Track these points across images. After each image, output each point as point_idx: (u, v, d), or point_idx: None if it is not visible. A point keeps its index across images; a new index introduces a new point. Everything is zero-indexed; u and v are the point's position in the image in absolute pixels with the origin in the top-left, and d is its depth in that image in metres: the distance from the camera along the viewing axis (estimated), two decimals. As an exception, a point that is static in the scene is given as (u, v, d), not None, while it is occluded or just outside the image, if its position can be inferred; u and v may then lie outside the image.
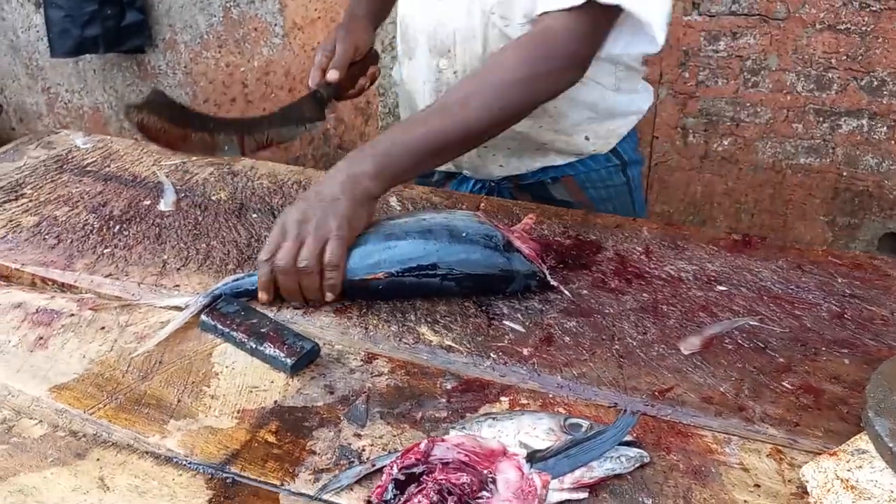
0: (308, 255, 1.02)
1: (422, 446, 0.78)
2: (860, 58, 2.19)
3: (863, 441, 0.80)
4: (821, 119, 2.31)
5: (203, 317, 1.03)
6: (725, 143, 2.45)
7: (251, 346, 0.98)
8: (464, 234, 1.06)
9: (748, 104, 2.36)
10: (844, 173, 2.35)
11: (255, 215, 1.31)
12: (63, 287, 1.14)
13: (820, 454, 0.81)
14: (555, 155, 1.36)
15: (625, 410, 0.87)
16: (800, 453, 0.84)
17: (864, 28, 2.17)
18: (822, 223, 2.45)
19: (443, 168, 1.46)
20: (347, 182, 1.06)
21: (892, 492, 0.74)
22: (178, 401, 0.92)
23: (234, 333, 1.00)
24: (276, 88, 3.00)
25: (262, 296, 1.06)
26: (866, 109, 2.25)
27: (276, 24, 2.88)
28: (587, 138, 1.35)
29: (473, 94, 1.10)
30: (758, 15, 2.23)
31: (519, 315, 1.06)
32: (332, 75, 1.33)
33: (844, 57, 2.21)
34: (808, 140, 2.34)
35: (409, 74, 1.40)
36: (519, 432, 0.82)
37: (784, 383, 0.93)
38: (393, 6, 1.53)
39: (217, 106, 3.15)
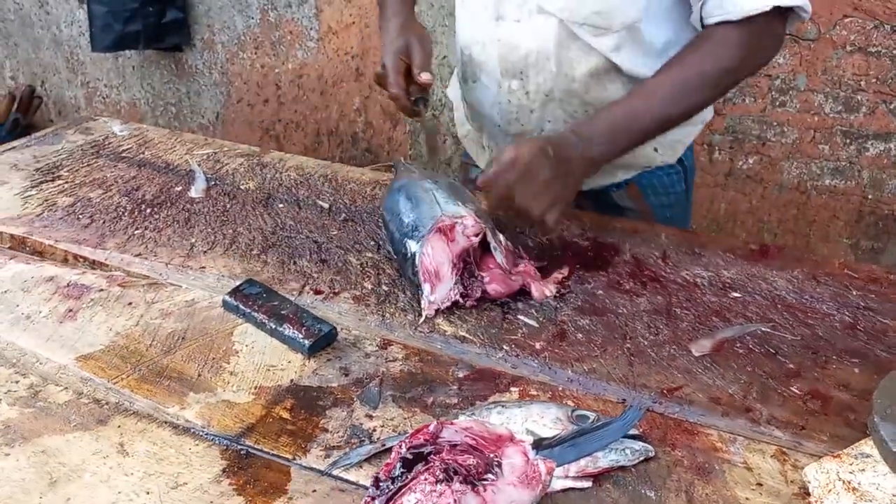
0: (537, 206, 1.10)
1: (431, 428, 0.80)
2: (890, 81, 2.18)
3: (867, 445, 0.80)
4: (848, 141, 2.30)
5: (226, 297, 1.06)
6: (751, 161, 2.45)
7: (271, 327, 1.01)
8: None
9: (775, 123, 2.37)
10: (869, 196, 2.34)
11: (281, 205, 1.34)
12: (94, 264, 1.18)
13: (824, 457, 0.82)
14: (622, 171, 1.37)
15: (632, 405, 0.88)
16: (804, 456, 0.84)
17: (895, 51, 2.16)
18: (845, 246, 2.44)
19: None
20: (585, 158, 1.15)
21: (893, 496, 0.75)
22: (199, 375, 0.95)
23: (255, 314, 1.03)
24: (309, 91, 3.06)
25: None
26: (894, 133, 2.24)
27: (311, 28, 2.93)
28: (656, 150, 1.35)
29: (679, 84, 1.17)
30: (788, 34, 2.23)
31: (533, 311, 1.07)
32: (427, 77, 1.24)
33: (874, 80, 2.21)
34: (833, 161, 2.33)
35: (475, 97, 1.39)
36: (527, 420, 0.84)
37: (792, 388, 0.93)
38: None
39: (250, 106, 3.21)
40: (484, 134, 1.46)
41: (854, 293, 1.11)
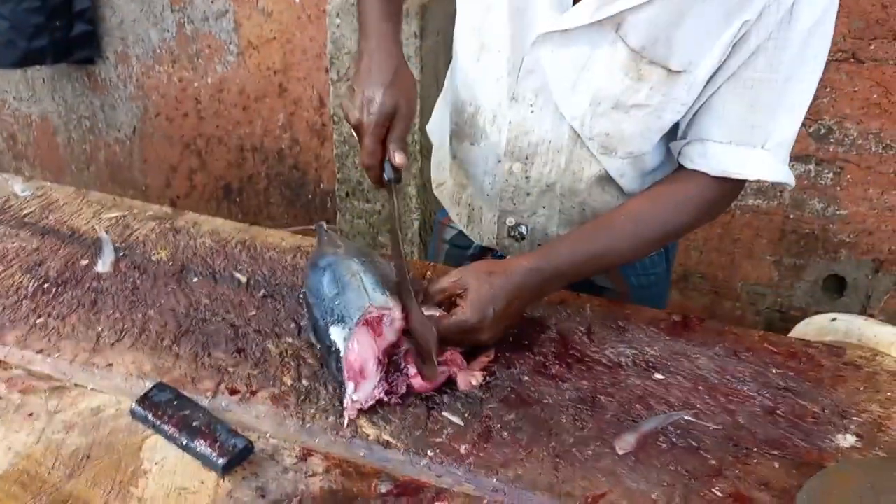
0: (463, 346, 1.11)
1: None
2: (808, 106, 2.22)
3: (786, 563, 0.81)
4: (770, 162, 2.35)
5: (135, 405, 1.01)
6: (677, 181, 2.48)
7: (182, 442, 0.96)
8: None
9: (700, 145, 2.39)
10: (791, 216, 2.40)
11: (195, 279, 1.28)
12: (-9, 362, 1.11)
13: (745, 572, 0.82)
14: None
15: (556, 525, 0.87)
16: (726, 569, 0.85)
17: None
18: (768, 262, 2.49)
19: (484, 243, 1.43)
20: (535, 297, 1.16)
21: None
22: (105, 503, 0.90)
23: (166, 427, 0.98)
24: (230, 106, 2.95)
25: None
26: (813, 156, 2.29)
27: (230, 43, 2.83)
28: None
29: (640, 232, 1.17)
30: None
31: (459, 404, 1.05)
32: (401, 159, 1.10)
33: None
34: (756, 183, 2.37)
35: (468, 158, 1.31)
36: (449, 550, 0.82)
37: (714, 489, 0.94)
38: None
39: (169, 120, 3.09)
40: (465, 193, 1.38)
41: (773, 371, 1.13)
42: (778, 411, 1.06)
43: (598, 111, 1.13)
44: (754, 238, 2.47)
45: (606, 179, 1.22)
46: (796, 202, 2.38)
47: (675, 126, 1.17)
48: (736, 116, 1.10)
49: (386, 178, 1.13)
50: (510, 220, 1.32)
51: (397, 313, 1.07)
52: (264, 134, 2.97)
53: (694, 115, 1.13)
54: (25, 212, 1.46)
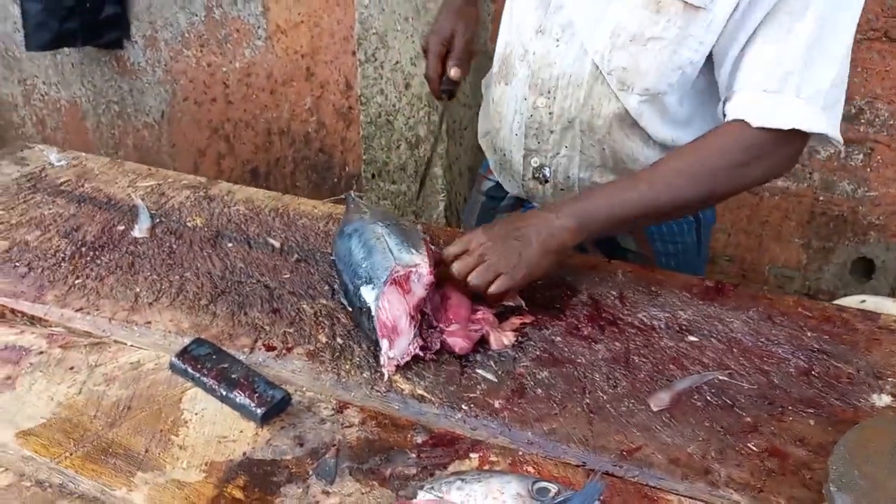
0: (478, 279, 1.09)
1: (389, 511, 0.79)
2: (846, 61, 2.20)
3: (824, 513, 0.81)
4: (799, 143, 2.33)
5: (173, 359, 1.02)
6: (705, 162, 2.46)
7: (221, 393, 0.98)
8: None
9: (728, 126, 2.38)
10: (821, 198, 2.37)
11: (230, 244, 1.30)
12: (33, 319, 1.13)
13: (782, 523, 0.82)
14: None
15: (594, 474, 0.87)
16: (762, 521, 0.85)
17: (844, 56, 2.18)
18: (797, 245, 2.47)
19: (514, 192, 1.46)
20: (545, 233, 1.12)
21: (849, 568, 0.76)
22: (146, 450, 0.91)
23: (205, 379, 0.99)
24: (258, 90, 2.98)
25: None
26: (843, 136, 2.27)
27: (258, 27, 2.85)
28: None
29: (685, 171, 1.13)
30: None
31: (492, 363, 1.06)
32: (455, 73, 1.34)
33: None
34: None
35: (502, 98, 1.35)
36: (487, 496, 0.83)
37: (750, 444, 0.94)
38: None
39: (197, 104, 3.12)
40: (498, 137, 1.41)
41: (808, 334, 1.12)
42: (813, 372, 1.05)
43: (618, 44, 1.15)
44: (783, 220, 2.45)
45: (626, 120, 1.22)
46: (826, 184, 2.36)
47: (701, 78, 1.17)
48: (769, 63, 1.09)
49: (442, 88, 1.36)
50: (535, 161, 1.34)
51: (424, 269, 1.07)
52: (291, 118, 2.99)
53: (731, 70, 1.13)
54: (61, 180, 1.48)
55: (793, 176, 2.38)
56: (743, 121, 1.12)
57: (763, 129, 1.10)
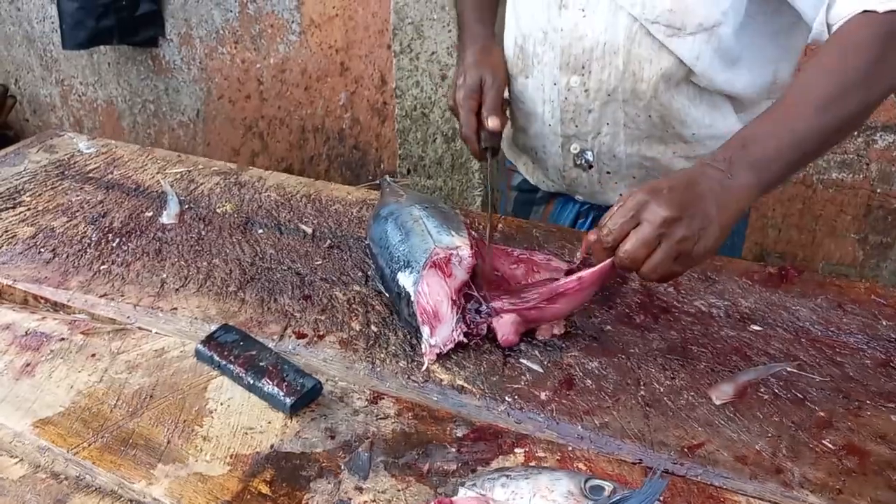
0: (657, 270, 0.87)
1: (428, 509, 0.72)
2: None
3: (916, 517, 0.72)
4: (855, 133, 2.21)
5: (199, 346, 0.97)
6: (754, 154, 2.36)
7: (249, 382, 0.91)
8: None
9: (779, 115, 2.27)
10: (878, 190, 2.25)
11: (260, 231, 1.24)
12: (56, 306, 1.08)
13: (866, 528, 0.74)
14: None
15: (654, 472, 0.79)
16: (843, 525, 0.76)
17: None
18: (852, 241, 2.35)
19: (550, 188, 1.38)
20: (725, 197, 0.89)
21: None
22: (168, 442, 0.85)
23: (231, 366, 0.93)
24: (292, 87, 2.94)
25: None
26: (904, 126, 2.15)
27: (293, 21, 2.81)
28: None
29: (836, 82, 0.94)
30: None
31: (537, 352, 0.98)
32: (494, 124, 1.17)
33: (883, 69, 2.12)
34: (840, 154, 2.24)
35: (524, 93, 1.28)
36: (535, 495, 0.75)
37: (825, 441, 0.85)
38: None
39: (232, 102, 3.09)
40: (528, 135, 1.34)
41: (884, 323, 1.03)
42: (892, 364, 0.96)
43: None
44: (837, 214, 2.33)
45: (673, 78, 1.13)
46: (883, 175, 2.23)
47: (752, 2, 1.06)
48: None
49: (483, 146, 1.19)
50: (575, 147, 1.26)
51: (465, 251, 1.00)
52: (325, 114, 2.94)
53: None
54: (90, 167, 1.44)
55: (847, 167, 2.26)
56: (866, 12, 0.95)
57: (891, 13, 0.94)
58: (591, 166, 1.26)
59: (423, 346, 0.96)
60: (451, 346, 0.97)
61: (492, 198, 1.26)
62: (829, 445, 0.84)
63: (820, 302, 1.07)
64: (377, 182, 1.32)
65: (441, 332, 0.97)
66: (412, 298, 0.98)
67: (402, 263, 1.02)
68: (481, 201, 2.46)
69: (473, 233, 1.09)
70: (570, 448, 0.85)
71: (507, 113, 1.29)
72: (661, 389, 0.92)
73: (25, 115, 3.63)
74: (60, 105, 3.52)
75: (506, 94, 1.25)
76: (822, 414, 0.88)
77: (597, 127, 1.22)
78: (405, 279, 1.00)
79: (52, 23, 3.23)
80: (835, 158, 2.26)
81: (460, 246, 1.01)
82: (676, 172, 1.02)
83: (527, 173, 1.40)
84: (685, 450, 0.84)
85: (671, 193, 0.87)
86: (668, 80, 1.13)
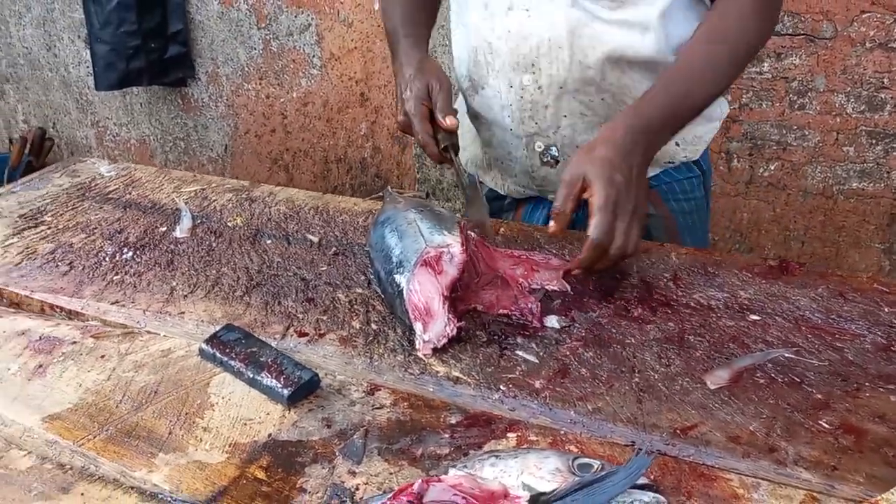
0: (626, 245, 1.04)
1: (415, 487, 0.72)
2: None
3: (909, 489, 0.71)
4: (874, 141, 2.19)
5: (202, 344, 0.99)
6: (772, 167, 2.34)
7: (249, 376, 0.94)
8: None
9: (795, 127, 2.26)
10: (901, 198, 2.23)
11: (269, 241, 1.28)
12: (70, 314, 1.12)
13: (861, 503, 0.73)
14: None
15: (640, 450, 0.79)
16: (837, 501, 0.75)
17: (918, 45, 2.06)
18: (877, 251, 2.31)
19: (522, 195, 1.42)
20: (637, 156, 1.06)
21: (942, 548, 0.66)
22: (169, 433, 0.88)
23: (233, 362, 0.96)
24: (315, 119, 3.01)
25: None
26: (922, 131, 2.13)
27: (314, 56, 2.89)
28: (678, 144, 1.29)
29: (714, 60, 1.14)
30: (803, 34, 2.14)
31: (533, 345, 0.99)
32: (451, 122, 1.21)
33: (898, 76, 2.11)
34: (860, 164, 2.22)
35: (481, 105, 1.33)
36: (523, 472, 0.76)
37: (821, 422, 0.84)
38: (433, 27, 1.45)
39: (257, 137, 3.18)
40: (491, 148, 1.37)
41: (886, 310, 1.02)
42: (893, 348, 0.95)
43: None
44: (860, 224, 2.30)
45: (617, 57, 1.19)
46: (906, 183, 2.21)
47: None
48: None
49: (443, 145, 1.21)
50: (539, 145, 1.30)
51: (457, 249, 1.03)
52: (347, 144, 3.01)
53: None
54: (110, 189, 1.50)
55: (868, 176, 2.24)
56: None
57: None
58: (557, 162, 1.30)
59: (417, 342, 0.98)
60: (445, 340, 0.98)
61: (466, 193, 1.27)
62: (826, 425, 0.84)
63: (821, 291, 1.06)
64: (381, 194, 1.36)
65: (434, 328, 0.98)
66: (404, 297, 1.00)
67: (395, 264, 1.05)
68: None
69: (472, 233, 1.11)
70: (562, 432, 0.86)
71: (460, 133, 1.31)
72: (656, 376, 0.92)
73: (63, 156, 3.76)
74: (96, 146, 3.64)
75: (455, 104, 1.27)
76: (819, 396, 0.88)
77: (556, 121, 1.26)
78: (399, 278, 1.03)
79: (87, 67, 3.37)
80: (854, 168, 2.24)
81: (451, 244, 1.03)
82: (614, 138, 1.09)
83: (496, 186, 1.44)
84: (678, 431, 0.84)
85: (602, 169, 1.03)
86: (614, 61, 1.19)
